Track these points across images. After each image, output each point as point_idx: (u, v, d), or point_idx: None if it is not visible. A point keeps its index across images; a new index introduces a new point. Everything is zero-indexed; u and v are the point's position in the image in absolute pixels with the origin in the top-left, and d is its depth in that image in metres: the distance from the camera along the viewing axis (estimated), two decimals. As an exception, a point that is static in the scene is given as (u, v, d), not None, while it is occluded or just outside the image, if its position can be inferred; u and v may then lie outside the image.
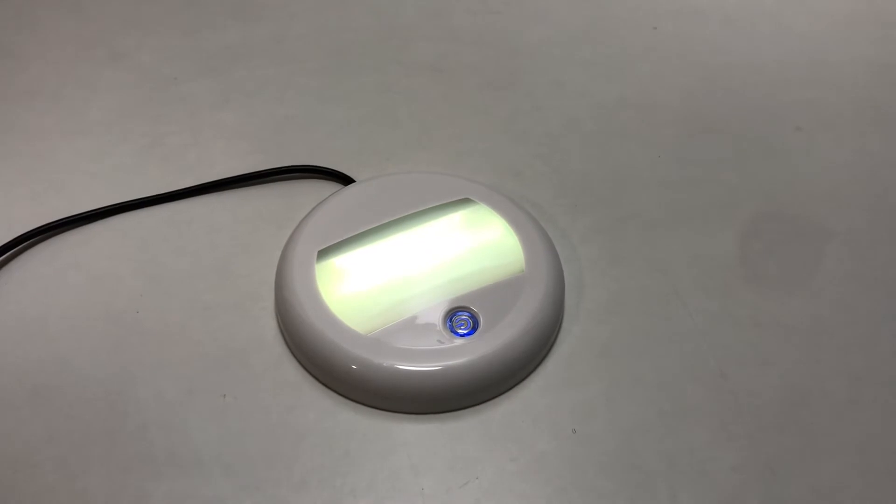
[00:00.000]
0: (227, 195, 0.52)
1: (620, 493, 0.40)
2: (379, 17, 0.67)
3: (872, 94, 0.62)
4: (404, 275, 0.45)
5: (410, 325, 0.42)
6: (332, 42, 0.64)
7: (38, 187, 0.53)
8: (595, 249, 0.50)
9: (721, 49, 0.65)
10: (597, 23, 0.67)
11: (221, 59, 0.62)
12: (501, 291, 0.44)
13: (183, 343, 0.45)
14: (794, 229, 0.52)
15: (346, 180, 0.52)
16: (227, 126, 0.57)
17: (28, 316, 0.46)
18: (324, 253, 0.45)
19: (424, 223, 0.47)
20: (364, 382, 0.41)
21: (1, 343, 0.45)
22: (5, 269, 0.48)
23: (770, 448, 0.41)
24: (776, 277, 0.49)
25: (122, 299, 0.47)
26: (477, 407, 0.42)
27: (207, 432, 0.41)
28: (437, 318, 0.43)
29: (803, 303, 0.48)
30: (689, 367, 0.45)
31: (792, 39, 0.66)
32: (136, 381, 0.43)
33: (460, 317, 0.43)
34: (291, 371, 0.44)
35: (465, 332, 0.42)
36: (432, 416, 0.42)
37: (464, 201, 0.48)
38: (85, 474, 0.40)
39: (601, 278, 0.48)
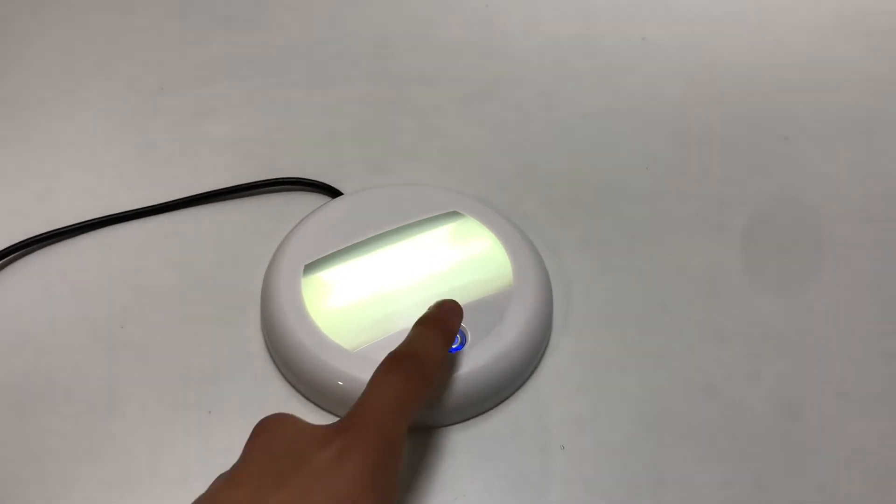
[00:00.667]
0: (214, 207, 0.52)
1: (609, 509, 0.40)
2: (367, 28, 0.66)
3: (861, 102, 0.62)
4: (392, 289, 0.44)
5: (398, 341, 0.41)
6: (320, 53, 0.64)
7: (24, 199, 0.52)
8: (583, 261, 0.50)
9: (709, 59, 0.65)
10: (586, 33, 0.67)
11: (208, 70, 0.62)
12: (489, 305, 0.44)
13: (168, 357, 0.44)
14: (783, 240, 0.52)
15: (333, 193, 0.52)
16: (214, 137, 0.57)
17: (12, 329, 0.46)
18: (310, 267, 0.45)
19: (412, 236, 0.47)
20: (351, 398, 0.40)
21: (-16, 357, 0.44)
22: (-11, 282, 0.48)
23: (758, 462, 0.41)
24: (765, 289, 0.49)
25: (108, 313, 0.46)
26: (465, 423, 0.42)
27: (193, 448, 0.41)
28: (424, 332, 0.42)
29: (792, 314, 0.48)
30: (678, 381, 0.44)
31: (780, 49, 0.67)
32: (120, 396, 0.43)
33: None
34: (278, 386, 0.43)
35: (453, 346, 0.42)
36: (420, 431, 0.42)
37: (452, 214, 0.48)
38: (69, 490, 0.39)
39: (590, 291, 0.48)
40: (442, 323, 0.39)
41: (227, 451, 0.41)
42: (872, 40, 0.68)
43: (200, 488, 0.39)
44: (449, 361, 0.41)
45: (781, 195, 0.55)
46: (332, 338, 0.42)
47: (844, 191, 0.55)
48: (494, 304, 0.44)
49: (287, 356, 0.42)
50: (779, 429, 0.43)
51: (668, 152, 0.57)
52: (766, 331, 0.47)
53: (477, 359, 0.42)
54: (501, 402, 0.43)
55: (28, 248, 0.49)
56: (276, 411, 0.42)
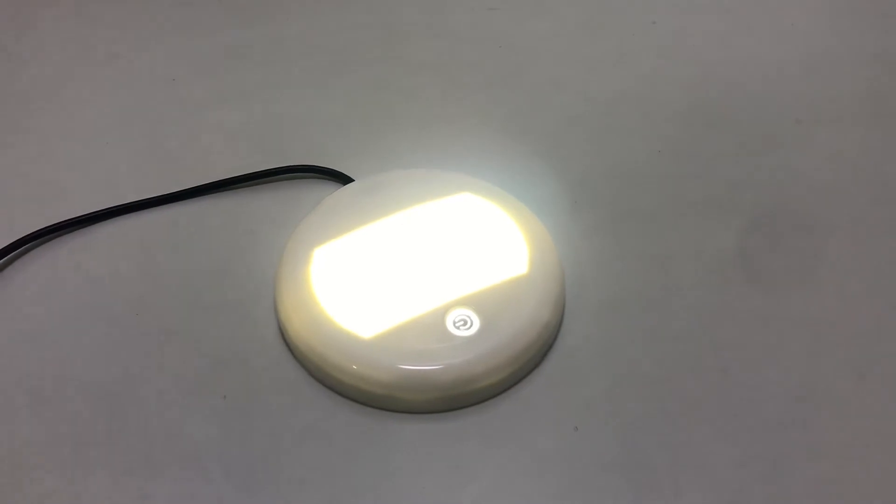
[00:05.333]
0: (226, 196, 0.52)
1: (624, 491, 0.39)
2: (376, 15, 0.66)
3: (873, 85, 0.62)
4: (404, 273, 0.44)
5: (410, 325, 0.42)
6: (330, 41, 0.64)
7: (38, 190, 0.53)
8: (596, 246, 0.50)
9: (720, 42, 0.65)
10: (595, 17, 0.67)
11: (219, 59, 0.62)
12: (502, 289, 0.44)
13: (183, 344, 0.45)
14: (796, 223, 0.52)
15: (344, 179, 0.52)
16: (226, 126, 0.57)
17: (28, 318, 0.46)
18: (323, 253, 0.45)
19: (424, 221, 0.47)
20: (364, 382, 0.41)
21: (0, 346, 0.45)
22: (5, 272, 0.48)
23: (773, 444, 0.41)
24: (778, 272, 0.49)
25: (122, 301, 0.47)
26: (478, 406, 0.42)
27: (208, 433, 0.41)
28: (437, 316, 0.42)
29: (805, 297, 0.48)
30: (691, 363, 0.44)
31: (791, 31, 0.66)
32: (136, 383, 0.43)
33: (460, 315, 0.43)
34: (291, 371, 0.44)
35: (465, 330, 0.42)
36: (433, 415, 0.42)
37: (464, 199, 0.48)
38: (86, 476, 0.40)
39: (602, 275, 0.48)
40: None
41: (242, 435, 0.41)
42: (885, 21, 0.67)
43: (217, 473, 0.40)
44: (463, 344, 0.42)
45: (794, 178, 0.55)
46: (345, 322, 0.42)
47: (857, 174, 0.55)
48: (506, 289, 0.44)
49: (300, 341, 0.43)
50: (793, 410, 0.43)
51: (679, 136, 0.57)
52: (779, 313, 0.47)
53: (489, 343, 0.42)
54: (515, 384, 0.43)
55: (42, 238, 0.49)
56: (291, 396, 0.43)
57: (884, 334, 0.46)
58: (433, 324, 0.42)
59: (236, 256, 0.49)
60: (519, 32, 0.65)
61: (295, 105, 0.59)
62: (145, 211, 0.51)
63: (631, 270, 0.49)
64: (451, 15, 0.67)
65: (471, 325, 0.42)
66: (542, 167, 0.55)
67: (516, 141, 0.56)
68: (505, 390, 0.43)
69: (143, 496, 0.39)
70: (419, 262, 0.45)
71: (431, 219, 0.47)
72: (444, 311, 0.43)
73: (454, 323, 0.42)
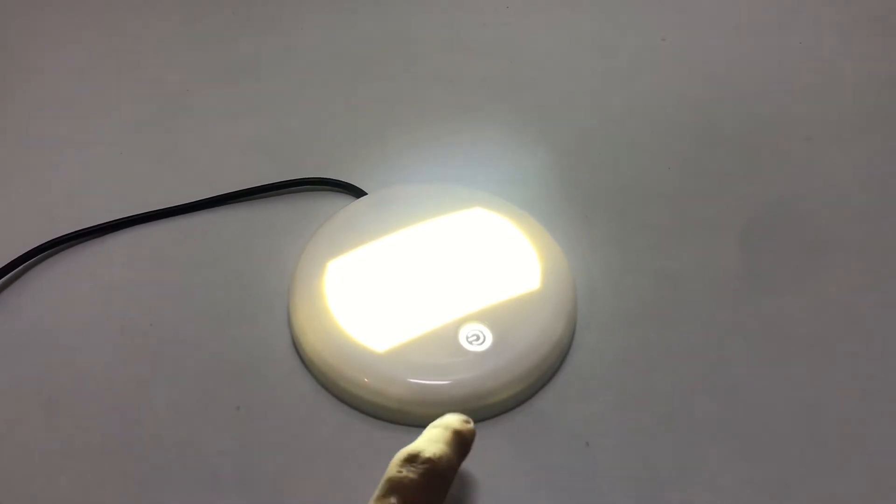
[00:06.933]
0: (240, 208, 0.53)
1: (634, 507, 0.40)
2: (389, 28, 0.67)
3: (881, 103, 0.62)
4: (417, 287, 0.45)
5: (423, 339, 0.42)
6: (343, 54, 0.64)
7: (52, 200, 0.53)
8: (606, 261, 0.50)
9: (730, 60, 0.65)
10: (606, 34, 0.67)
11: (233, 71, 0.62)
12: (514, 304, 0.44)
13: (197, 355, 0.45)
14: (805, 240, 0.52)
15: (357, 193, 0.52)
16: (239, 138, 0.57)
17: (42, 328, 0.46)
18: (336, 265, 0.45)
19: (437, 235, 0.47)
20: (377, 396, 0.41)
21: (15, 355, 0.45)
22: (20, 281, 0.48)
23: (784, 460, 0.41)
24: (787, 288, 0.49)
25: (136, 312, 0.47)
26: (489, 420, 0.42)
27: (221, 445, 0.41)
28: (449, 331, 0.43)
29: (815, 313, 0.48)
30: (702, 379, 0.45)
31: (801, 49, 0.66)
32: (150, 394, 0.43)
33: (473, 330, 0.43)
34: (305, 383, 0.44)
35: (477, 345, 0.42)
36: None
37: (476, 213, 0.48)
38: (99, 487, 0.40)
39: (612, 290, 0.48)
40: (463, 437, 0.38)
41: (256, 446, 0.41)
42: (893, 39, 0.67)
43: (230, 484, 0.40)
44: (476, 359, 0.42)
45: (803, 196, 0.55)
46: (358, 336, 0.42)
47: (866, 190, 0.55)
48: (519, 303, 0.44)
49: (313, 354, 0.43)
50: (803, 427, 0.43)
51: (689, 153, 0.57)
52: (790, 329, 0.47)
53: (501, 358, 0.42)
54: (526, 399, 0.43)
55: (56, 248, 0.49)
56: (304, 409, 0.43)
57: (893, 350, 0.46)
58: (446, 338, 0.42)
59: (250, 268, 0.49)
60: (531, 48, 0.66)
61: (308, 118, 0.59)
62: (159, 221, 0.51)
63: (642, 286, 0.49)
64: (464, 29, 0.67)
65: (483, 341, 0.43)
66: (553, 183, 0.55)
67: (528, 156, 0.57)
68: (517, 405, 0.43)
69: (156, 507, 0.39)
70: (432, 277, 0.45)
71: (444, 233, 0.47)
72: (457, 325, 0.43)
73: (467, 338, 0.43)
